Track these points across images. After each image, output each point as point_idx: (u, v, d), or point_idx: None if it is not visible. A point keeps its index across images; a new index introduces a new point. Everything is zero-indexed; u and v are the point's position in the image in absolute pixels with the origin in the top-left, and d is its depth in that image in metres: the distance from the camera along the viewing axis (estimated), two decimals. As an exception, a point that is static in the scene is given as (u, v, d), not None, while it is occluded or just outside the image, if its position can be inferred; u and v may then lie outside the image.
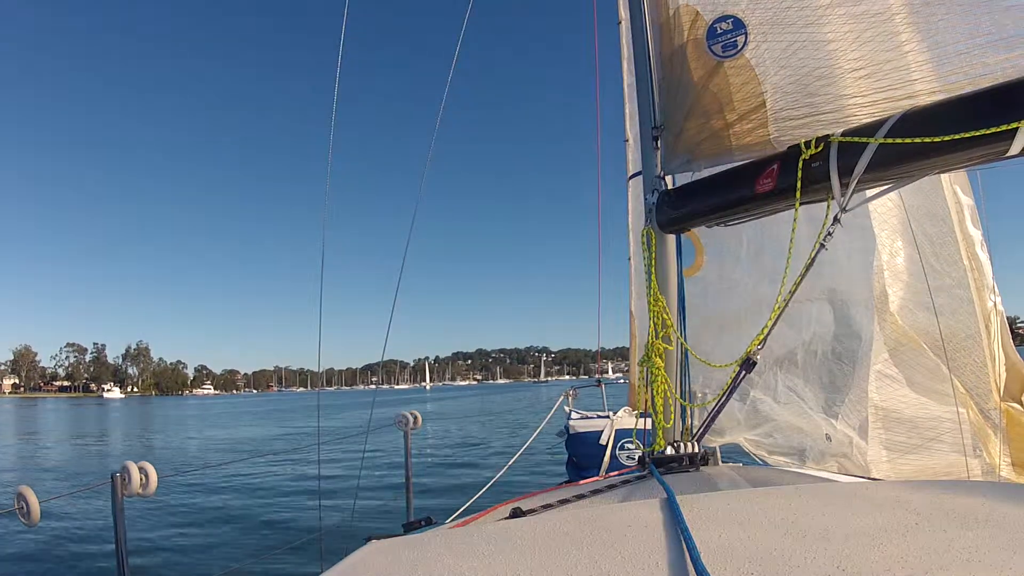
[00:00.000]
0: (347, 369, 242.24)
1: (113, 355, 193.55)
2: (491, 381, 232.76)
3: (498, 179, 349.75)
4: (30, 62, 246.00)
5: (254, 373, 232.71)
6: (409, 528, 1.93)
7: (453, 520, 1.88)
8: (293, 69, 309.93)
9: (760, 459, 3.28)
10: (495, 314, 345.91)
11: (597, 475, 4.03)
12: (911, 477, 2.95)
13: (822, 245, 1.71)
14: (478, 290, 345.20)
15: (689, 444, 2.01)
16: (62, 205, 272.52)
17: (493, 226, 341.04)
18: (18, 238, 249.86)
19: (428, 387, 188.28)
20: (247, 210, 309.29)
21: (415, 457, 4.27)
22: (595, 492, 1.71)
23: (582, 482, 2.06)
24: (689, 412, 2.29)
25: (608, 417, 6.71)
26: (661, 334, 2.07)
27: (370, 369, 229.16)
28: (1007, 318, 3.13)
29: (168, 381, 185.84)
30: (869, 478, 2.63)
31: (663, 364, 2.07)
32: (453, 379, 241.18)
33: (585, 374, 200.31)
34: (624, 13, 5.14)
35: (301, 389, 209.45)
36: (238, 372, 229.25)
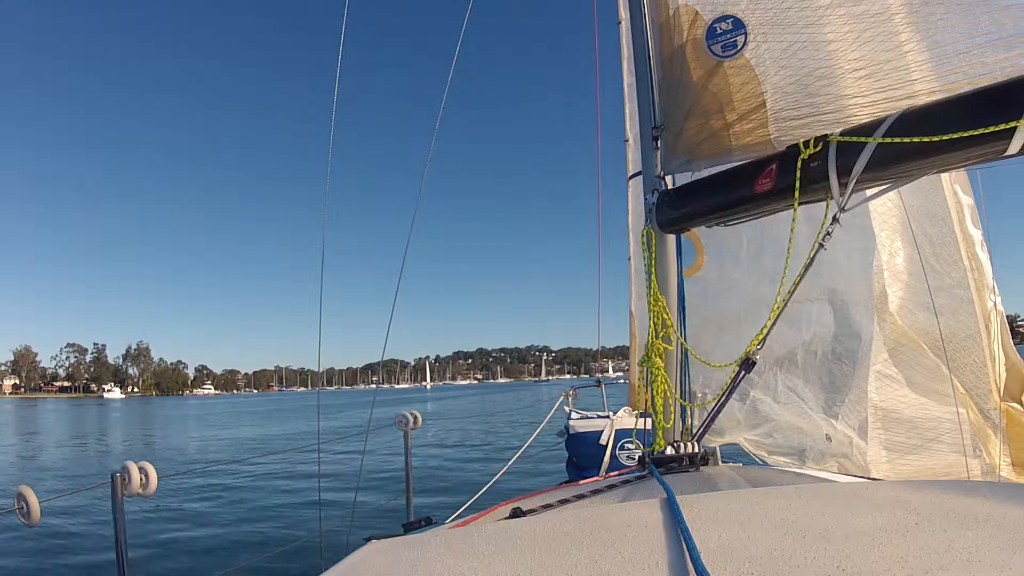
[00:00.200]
0: (348, 369, 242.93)
1: (113, 355, 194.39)
2: (492, 380, 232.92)
3: (498, 179, 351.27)
4: (30, 62, 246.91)
5: (255, 373, 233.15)
6: (409, 528, 1.93)
7: (453, 520, 1.88)
8: (293, 69, 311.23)
9: (760, 459, 3.27)
10: (496, 314, 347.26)
11: (597, 475, 4.03)
12: (911, 477, 2.94)
13: (821, 245, 1.71)
14: (478, 290, 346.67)
15: (689, 444, 2.01)
16: (62, 205, 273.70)
17: (493, 226, 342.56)
18: (18, 238, 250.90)
19: (429, 386, 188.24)
20: (247, 210, 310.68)
21: (415, 457, 4.27)
22: (595, 492, 1.71)
23: (582, 482, 2.06)
24: (689, 412, 2.29)
25: (608, 417, 6.70)
26: (661, 334, 2.07)
27: (371, 369, 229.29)
28: (1007, 317, 3.13)
29: (168, 381, 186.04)
30: (869, 478, 2.63)
31: (663, 364, 2.07)
32: (454, 378, 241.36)
33: (586, 373, 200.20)
34: (624, 13, 5.14)
35: (302, 389, 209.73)
36: (238, 372, 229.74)
